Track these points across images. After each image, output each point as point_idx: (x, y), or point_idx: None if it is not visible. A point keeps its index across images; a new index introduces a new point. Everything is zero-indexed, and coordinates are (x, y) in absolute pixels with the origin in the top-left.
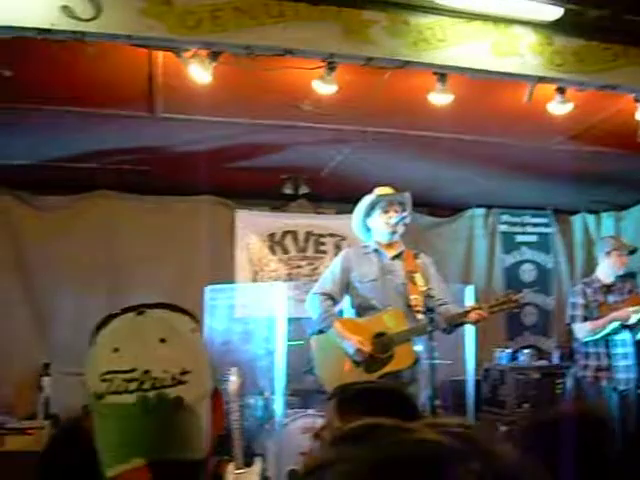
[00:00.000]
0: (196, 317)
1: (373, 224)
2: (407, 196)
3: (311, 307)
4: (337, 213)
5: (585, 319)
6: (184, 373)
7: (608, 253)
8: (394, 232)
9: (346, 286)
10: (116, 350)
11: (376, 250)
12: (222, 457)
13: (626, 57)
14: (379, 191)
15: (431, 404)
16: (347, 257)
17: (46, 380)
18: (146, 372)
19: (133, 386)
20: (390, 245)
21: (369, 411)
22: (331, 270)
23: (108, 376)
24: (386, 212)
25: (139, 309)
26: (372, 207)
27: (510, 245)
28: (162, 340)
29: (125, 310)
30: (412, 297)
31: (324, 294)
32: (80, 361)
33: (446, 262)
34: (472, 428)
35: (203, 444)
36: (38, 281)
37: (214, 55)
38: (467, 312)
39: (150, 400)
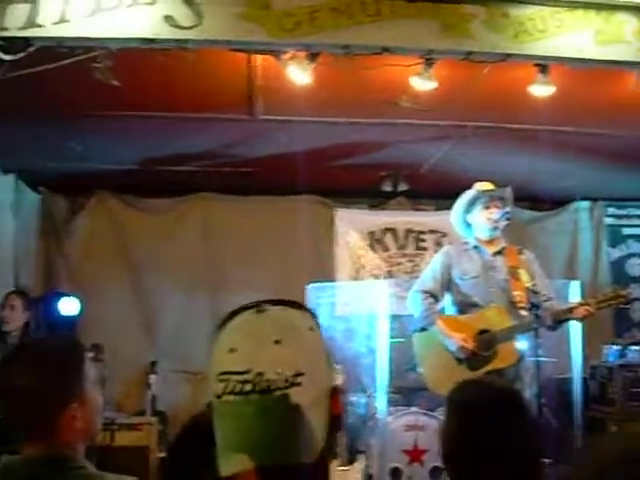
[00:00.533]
0: (315, 314)
1: (474, 220)
2: (508, 191)
3: (412, 305)
4: (436, 209)
5: None
6: (298, 375)
7: None
8: (495, 228)
9: (447, 283)
10: (232, 350)
11: (476, 247)
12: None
13: None
14: (480, 186)
15: (537, 402)
16: (448, 254)
17: (153, 378)
18: (260, 374)
19: (247, 388)
20: (491, 241)
21: (480, 408)
22: (431, 267)
23: (224, 377)
24: (487, 208)
25: (259, 307)
26: (472, 203)
27: (616, 238)
28: (277, 341)
29: (246, 307)
30: (515, 293)
31: (425, 292)
32: (184, 359)
33: (549, 257)
34: None
35: (315, 447)
36: (145, 281)
37: (312, 56)
38: (573, 308)
39: (262, 402)
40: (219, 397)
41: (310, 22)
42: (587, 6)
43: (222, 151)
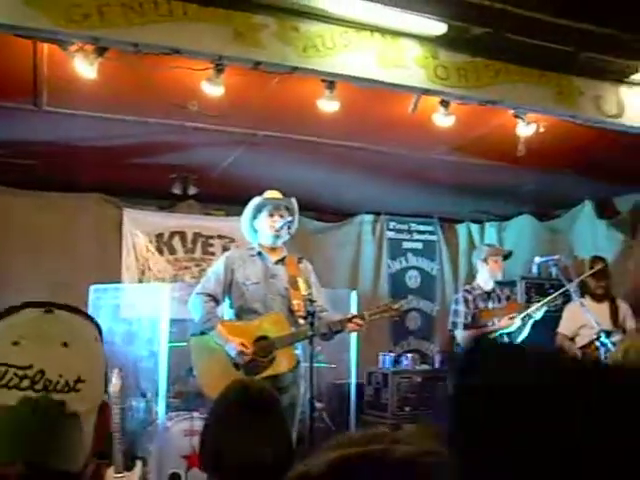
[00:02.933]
0: (99, 326)
1: (259, 226)
2: (293, 202)
3: (193, 308)
4: (226, 215)
5: (466, 326)
6: (78, 381)
7: (485, 259)
8: (277, 236)
9: (229, 287)
10: (15, 343)
11: (260, 253)
12: (101, 460)
13: (507, 74)
14: (267, 194)
15: (310, 407)
16: (231, 258)
17: None
18: (41, 372)
19: (25, 384)
20: (273, 249)
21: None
22: (214, 271)
23: (2, 368)
24: (271, 215)
25: (47, 307)
26: (259, 209)
27: (396, 251)
28: (65, 344)
29: (29, 304)
30: (294, 302)
31: (207, 295)
32: None
33: (333, 267)
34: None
35: (82, 457)
36: None
37: (100, 50)
38: (347, 320)
39: (37, 402)
40: None
41: (99, 15)
42: (373, 29)
43: (3, 141)
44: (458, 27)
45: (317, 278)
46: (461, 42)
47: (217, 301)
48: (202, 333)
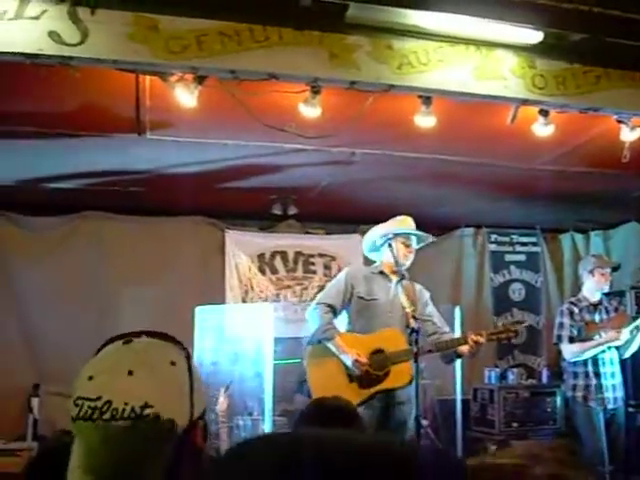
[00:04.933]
0: (186, 347)
1: (391, 247)
2: (430, 239)
3: (312, 317)
4: (326, 233)
5: (571, 339)
6: (146, 407)
7: (591, 271)
8: (404, 264)
9: (348, 301)
10: (90, 378)
11: (382, 272)
12: None
13: (608, 80)
14: (404, 222)
15: (417, 424)
16: (352, 273)
17: (35, 401)
18: (108, 402)
19: (95, 415)
20: (395, 271)
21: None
22: (336, 283)
23: (79, 401)
24: (407, 246)
25: (128, 337)
26: (397, 234)
27: (499, 264)
28: (130, 372)
29: (121, 336)
30: (410, 320)
31: (328, 305)
32: (70, 381)
33: (435, 282)
34: None
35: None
36: (28, 302)
37: (199, 79)
38: (464, 338)
39: (106, 430)
40: (74, 421)
41: (197, 45)
42: (468, 42)
43: (111, 170)
44: (554, 34)
45: (430, 297)
46: (558, 49)
47: (335, 312)
48: (319, 342)
